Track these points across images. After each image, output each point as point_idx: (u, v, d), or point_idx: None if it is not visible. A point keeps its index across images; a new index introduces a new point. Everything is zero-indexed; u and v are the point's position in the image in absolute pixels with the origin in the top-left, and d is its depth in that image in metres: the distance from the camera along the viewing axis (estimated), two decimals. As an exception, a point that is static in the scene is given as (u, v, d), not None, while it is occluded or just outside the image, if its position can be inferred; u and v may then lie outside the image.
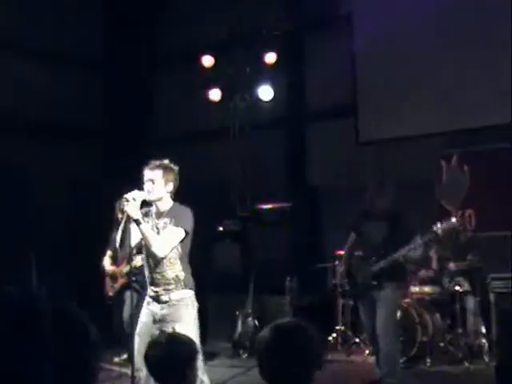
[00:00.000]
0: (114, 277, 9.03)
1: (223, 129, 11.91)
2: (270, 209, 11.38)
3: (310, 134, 12.38)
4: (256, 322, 10.02)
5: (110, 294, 9.09)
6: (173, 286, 5.71)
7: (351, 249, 7.55)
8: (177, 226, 5.61)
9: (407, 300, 8.99)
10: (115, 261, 9.06)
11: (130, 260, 6.38)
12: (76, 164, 11.75)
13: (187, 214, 5.70)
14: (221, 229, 11.36)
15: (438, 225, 6.90)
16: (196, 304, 5.76)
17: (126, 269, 8.65)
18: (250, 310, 10.16)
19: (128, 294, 8.17)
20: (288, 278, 10.21)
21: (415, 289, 9.31)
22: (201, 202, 6.54)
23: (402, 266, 7.19)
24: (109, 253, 9.05)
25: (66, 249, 11.33)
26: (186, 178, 5.85)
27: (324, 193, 11.95)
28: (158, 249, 5.57)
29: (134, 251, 6.04)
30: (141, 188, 5.65)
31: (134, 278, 7.17)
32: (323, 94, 11.86)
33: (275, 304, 10.18)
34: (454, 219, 7.12)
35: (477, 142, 10.35)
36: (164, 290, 5.72)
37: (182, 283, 5.73)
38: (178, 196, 5.85)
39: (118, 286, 9.03)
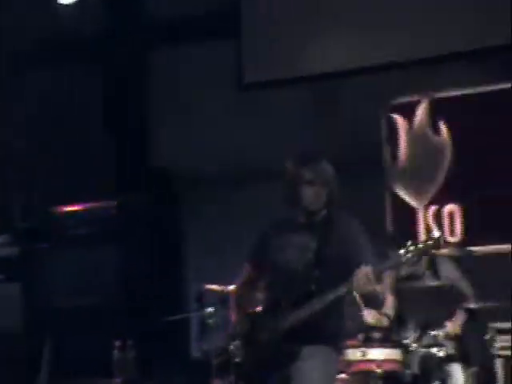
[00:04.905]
0: None
1: None
2: (77, 213, 7.94)
3: (158, 67, 8.63)
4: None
5: None
6: None
7: (248, 286, 5.49)
8: None
9: (343, 376, 6.28)
10: None
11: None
12: None
13: None
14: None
15: (409, 243, 4.68)
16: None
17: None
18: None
19: None
20: (117, 343, 7.11)
21: (356, 354, 6.41)
22: None
23: (340, 311, 4.99)
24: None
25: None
26: None
27: (184, 183, 8.44)
28: None
29: None
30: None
31: None
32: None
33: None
34: (436, 232, 5.11)
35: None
36: None
37: None
38: None
39: None
